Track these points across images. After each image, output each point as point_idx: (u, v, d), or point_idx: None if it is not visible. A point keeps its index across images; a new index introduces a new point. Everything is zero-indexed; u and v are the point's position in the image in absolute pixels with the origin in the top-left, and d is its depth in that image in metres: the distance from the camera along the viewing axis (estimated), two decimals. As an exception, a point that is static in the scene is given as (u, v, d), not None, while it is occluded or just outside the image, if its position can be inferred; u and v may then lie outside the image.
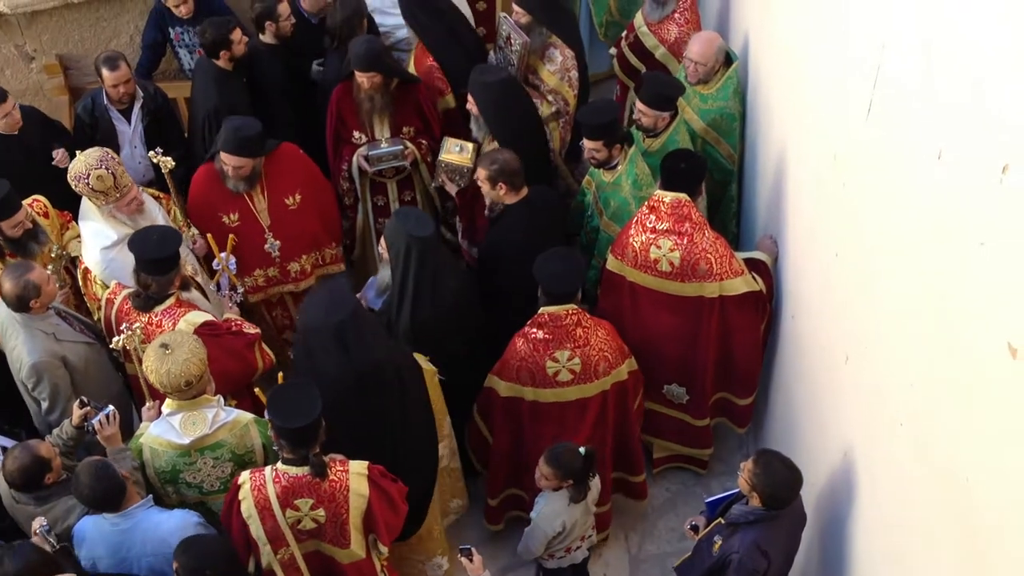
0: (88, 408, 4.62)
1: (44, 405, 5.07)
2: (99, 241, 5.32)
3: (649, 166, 5.59)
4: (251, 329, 5.19)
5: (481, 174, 5.43)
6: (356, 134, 6.26)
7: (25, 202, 5.47)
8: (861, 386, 4.17)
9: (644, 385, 5.52)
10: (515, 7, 6.20)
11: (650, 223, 5.18)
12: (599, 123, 5.46)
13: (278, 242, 5.90)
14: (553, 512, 4.88)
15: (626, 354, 5.26)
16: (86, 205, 5.36)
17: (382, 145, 6.22)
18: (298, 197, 5.88)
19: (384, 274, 5.26)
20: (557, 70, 6.25)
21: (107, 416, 4.55)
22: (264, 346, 5.26)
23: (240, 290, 5.64)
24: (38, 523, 4.28)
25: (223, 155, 5.59)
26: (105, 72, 6.10)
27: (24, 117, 5.96)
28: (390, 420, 4.85)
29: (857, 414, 4.24)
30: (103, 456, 4.52)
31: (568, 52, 6.25)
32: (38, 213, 5.55)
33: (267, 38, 6.43)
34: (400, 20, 6.60)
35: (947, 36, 3.15)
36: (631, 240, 5.24)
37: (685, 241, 5.12)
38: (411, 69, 6.42)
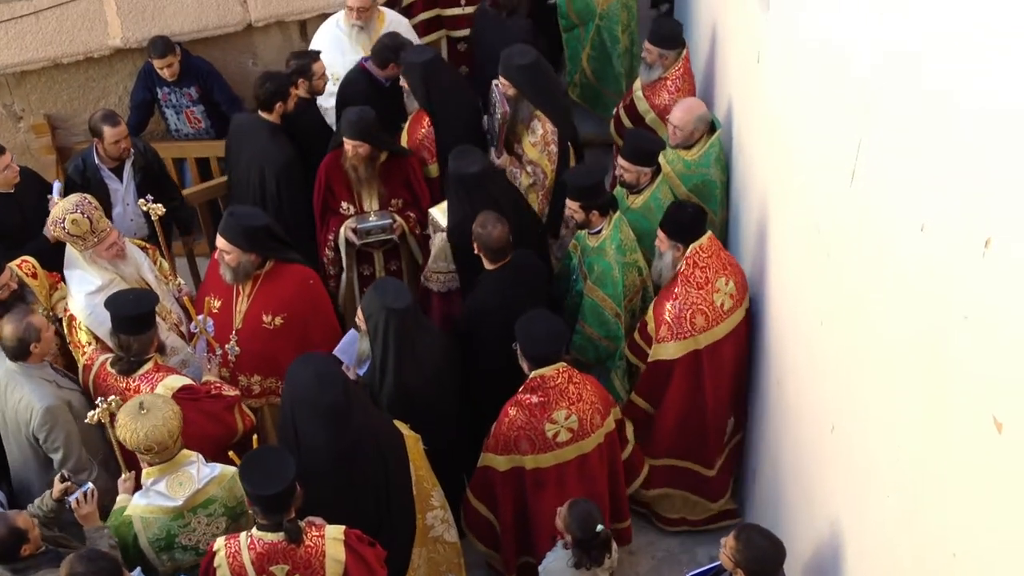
0: (68, 483, 4.55)
1: (58, 456, 4.95)
2: (83, 287, 5.33)
3: (632, 222, 5.64)
4: (230, 391, 5.16)
5: (474, 228, 5.46)
6: (344, 204, 6.22)
7: (14, 263, 5.46)
8: (847, 457, 4.13)
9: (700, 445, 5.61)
10: (501, 78, 6.22)
11: (700, 278, 5.24)
12: (581, 184, 5.55)
13: (238, 349, 5.57)
14: (556, 569, 4.82)
15: (611, 403, 5.29)
16: (70, 252, 5.39)
17: (371, 218, 6.17)
18: (278, 321, 5.48)
19: (364, 345, 5.22)
20: (537, 142, 6.28)
21: (85, 494, 4.48)
22: (244, 407, 5.21)
23: (219, 352, 5.57)
24: None
25: (218, 233, 5.44)
26: (107, 129, 6.09)
27: (21, 175, 5.96)
28: (375, 485, 4.80)
29: (843, 485, 4.20)
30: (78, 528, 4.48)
31: (550, 127, 6.25)
32: (26, 274, 5.51)
33: (300, 91, 6.43)
34: None
35: (930, 107, 3.17)
36: (694, 311, 5.24)
37: (732, 267, 5.34)
38: (404, 136, 6.43)
